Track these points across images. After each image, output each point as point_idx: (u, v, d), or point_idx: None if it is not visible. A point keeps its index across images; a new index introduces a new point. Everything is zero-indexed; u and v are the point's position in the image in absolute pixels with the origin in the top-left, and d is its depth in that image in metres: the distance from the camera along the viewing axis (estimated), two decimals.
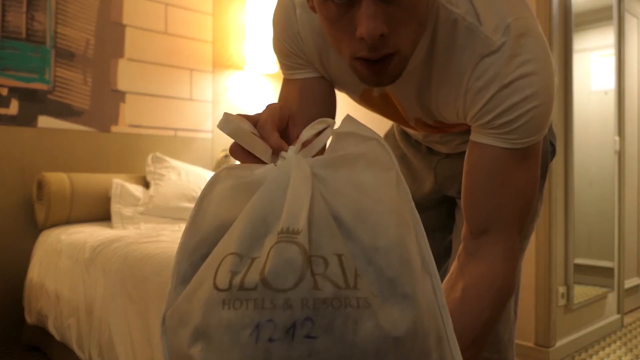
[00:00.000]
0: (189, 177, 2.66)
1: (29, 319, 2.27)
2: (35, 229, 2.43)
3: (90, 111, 2.65)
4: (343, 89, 0.88)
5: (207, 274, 0.44)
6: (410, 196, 0.49)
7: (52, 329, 2.07)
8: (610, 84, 2.89)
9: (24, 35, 2.44)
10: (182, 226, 2.47)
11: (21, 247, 2.41)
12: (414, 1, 0.62)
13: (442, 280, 0.77)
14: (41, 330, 2.23)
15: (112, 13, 2.74)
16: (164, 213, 2.51)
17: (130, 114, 2.79)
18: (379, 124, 1.09)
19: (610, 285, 2.88)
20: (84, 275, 1.93)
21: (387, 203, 0.46)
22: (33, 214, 2.44)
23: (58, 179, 2.36)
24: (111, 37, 2.73)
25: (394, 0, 0.60)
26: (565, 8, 2.43)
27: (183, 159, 2.93)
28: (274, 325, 0.39)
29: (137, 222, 2.43)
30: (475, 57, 0.69)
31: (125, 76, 2.78)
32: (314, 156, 0.50)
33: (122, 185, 2.49)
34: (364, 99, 0.88)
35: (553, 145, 0.98)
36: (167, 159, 2.70)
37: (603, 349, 2.55)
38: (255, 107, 3.32)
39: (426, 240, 0.48)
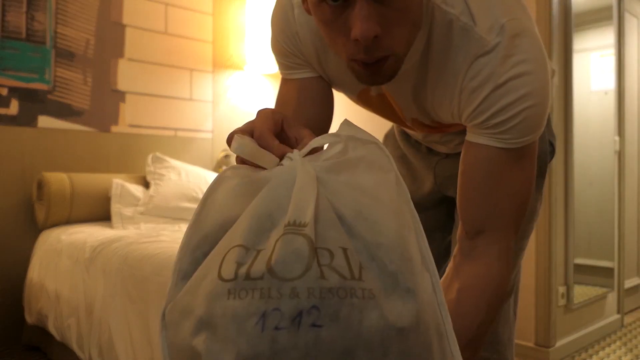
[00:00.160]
0: (189, 177, 2.66)
1: (29, 319, 2.27)
2: (35, 229, 2.43)
3: (90, 111, 2.65)
4: (341, 88, 0.88)
5: (211, 267, 0.44)
6: (409, 196, 0.50)
7: (52, 329, 2.07)
8: (610, 84, 2.89)
9: (24, 35, 2.44)
10: (182, 226, 2.47)
11: (21, 247, 2.41)
12: (407, 2, 0.62)
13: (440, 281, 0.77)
14: (41, 330, 2.23)
15: (112, 13, 2.74)
16: (164, 213, 2.51)
17: (130, 114, 2.80)
18: (378, 124, 1.09)
19: (610, 285, 2.88)
20: (84, 275, 1.93)
21: (387, 203, 0.47)
22: (33, 214, 2.45)
23: (58, 179, 2.36)
24: (111, 37, 2.73)
25: (387, 1, 0.60)
26: (565, 8, 2.43)
27: (183, 159, 2.93)
28: (280, 314, 0.39)
29: (137, 222, 2.43)
30: (470, 57, 0.69)
31: (125, 76, 2.78)
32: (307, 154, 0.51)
33: (122, 185, 2.49)
34: (361, 99, 0.88)
35: (552, 145, 0.98)
36: (167, 159, 2.70)
37: (603, 349, 2.55)
38: (255, 107, 3.32)
39: (425, 239, 0.49)
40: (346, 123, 0.53)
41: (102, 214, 2.47)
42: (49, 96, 2.52)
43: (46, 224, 2.37)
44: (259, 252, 0.43)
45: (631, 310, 3.25)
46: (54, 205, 2.33)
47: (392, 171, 0.50)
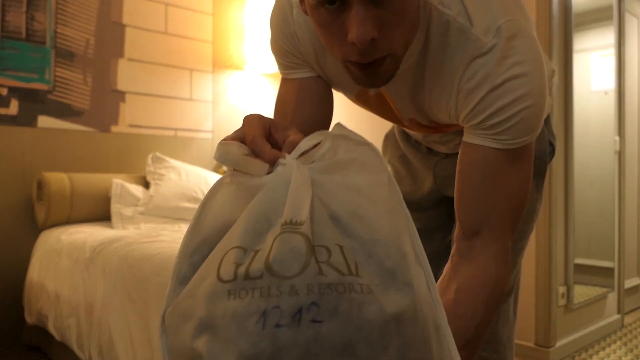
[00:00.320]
0: (189, 177, 2.66)
1: (29, 319, 2.27)
2: (35, 229, 2.43)
3: (90, 111, 2.65)
4: (340, 88, 0.88)
5: (209, 269, 0.44)
6: (402, 197, 0.50)
7: (52, 329, 2.07)
8: (610, 84, 2.89)
9: (24, 35, 2.44)
10: (182, 226, 2.47)
11: (21, 247, 2.41)
12: (404, 4, 0.62)
13: (438, 281, 0.77)
14: (41, 330, 2.23)
15: (112, 13, 2.74)
16: (164, 213, 2.51)
17: (130, 114, 2.80)
18: (378, 124, 1.09)
19: (611, 285, 2.88)
20: (84, 275, 1.93)
21: (380, 202, 0.48)
22: (33, 214, 2.45)
23: (58, 179, 2.36)
24: (111, 37, 2.73)
25: (383, 4, 0.60)
26: (565, 8, 2.43)
27: (183, 159, 2.93)
28: (280, 312, 0.40)
29: (137, 222, 2.43)
30: (467, 59, 0.70)
31: (125, 76, 2.78)
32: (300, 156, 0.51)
33: (122, 185, 2.49)
34: (360, 99, 0.88)
35: (552, 146, 0.98)
36: (167, 159, 2.70)
37: (603, 349, 2.55)
38: (255, 107, 3.32)
39: (418, 238, 0.49)
40: (339, 126, 0.53)
41: (102, 214, 2.47)
42: (49, 96, 2.52)
43: (46, 224, 2.37)
44: (256, 252, 0.43)
45: (631, 311, 3.25)
46: (54, 205, 2.33)
47: (384, 172, 0.51)
